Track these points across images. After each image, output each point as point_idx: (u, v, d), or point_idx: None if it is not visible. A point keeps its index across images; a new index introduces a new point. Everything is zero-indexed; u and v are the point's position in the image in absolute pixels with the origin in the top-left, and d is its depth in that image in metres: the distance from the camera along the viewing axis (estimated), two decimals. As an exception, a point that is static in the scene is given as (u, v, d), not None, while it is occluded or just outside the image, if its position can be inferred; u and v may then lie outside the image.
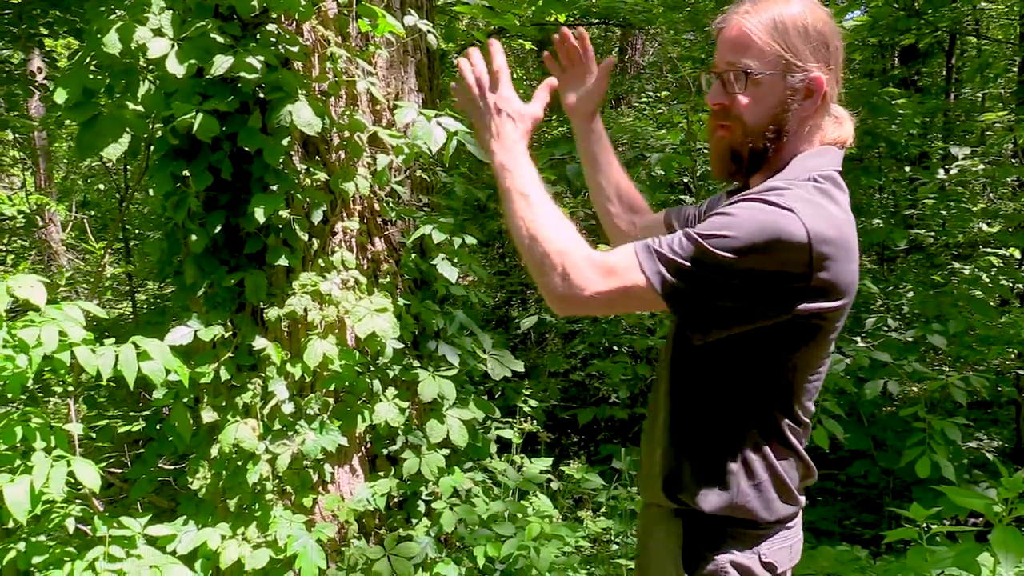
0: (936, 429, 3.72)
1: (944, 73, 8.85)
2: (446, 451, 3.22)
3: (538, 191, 1.42)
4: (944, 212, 5.67)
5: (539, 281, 1.37)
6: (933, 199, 5.87)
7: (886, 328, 4.69)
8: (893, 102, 5.72)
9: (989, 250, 5.92)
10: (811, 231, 1.25)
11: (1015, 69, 8.68)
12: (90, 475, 2.55)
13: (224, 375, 2.97)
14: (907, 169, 6.43)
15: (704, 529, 1.45)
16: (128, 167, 5.18)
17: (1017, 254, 6.68)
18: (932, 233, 5.82)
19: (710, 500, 1.42)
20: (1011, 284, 5.14)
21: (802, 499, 1.51)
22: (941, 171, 5.90)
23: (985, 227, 5.71)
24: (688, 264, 1.28)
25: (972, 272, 5.16)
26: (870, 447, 4.63)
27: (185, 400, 3.05)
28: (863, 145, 5.84)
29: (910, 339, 4.41)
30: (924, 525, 2.55)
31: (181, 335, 2.89)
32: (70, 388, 3.25)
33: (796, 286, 1.29)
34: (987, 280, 4.94)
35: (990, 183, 6.68)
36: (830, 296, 1.32)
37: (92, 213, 8.48)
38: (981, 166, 5.77)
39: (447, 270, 3.17)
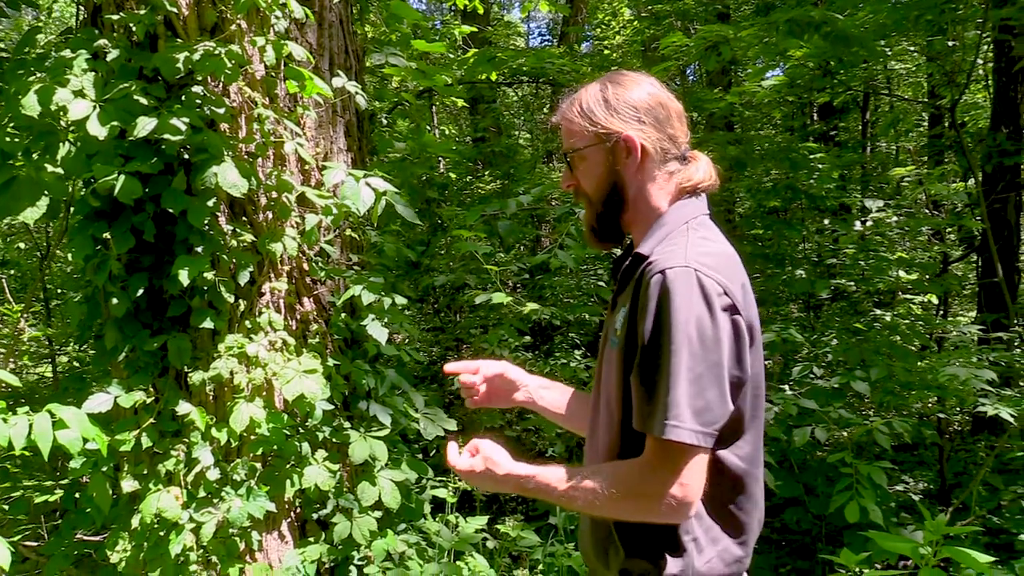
0: (863, 474, 3.80)
1: (860, 127, 9.29)
2: (378, 513, 3.16)
3: (567, 480, 1.47)
4: (862, 262, 5.89)
5: (654, 520, 1.44)
6: (853, 249, 6.09)
7: (812, 376, 4.80)
8: (812, 156, 5.97)
9: (909, 296, 6.16)
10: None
11: (925, 124, 9.17)
12: (0, 553, 2.42)
13: (146, 442, 2.88)
14: (826, 221, 6.67)
15: None
16: (50, 225, 5.04)
17: (935, 300, 6.96)
18: (853, 282, 6.03)
19: (671, 567, 1.46)
20: (928, 331, 5.33)
21: (753, 536, 1.55)
22: (858, 223, 6.14)
23: (904, 274, 5.94)
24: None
25: (893, 319, 5.34)
26: (802, 494, 4.69)
27: (104, 469, 2.93)
28: (785, 198, 6.05)
29: (836, 386, 4.52)
30: (857, 570, 2.59)
31: (100, 402, 2.80)
32: (-20, 461, 3.10)
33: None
34: (905, 327, 5.12)
35: (907, 233, 6.98)
36: None
37: (12, 272, 8.19)
38: (895, 218, 6.03)
39: (377, 331, 3.15)
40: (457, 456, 1.57)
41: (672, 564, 1.46)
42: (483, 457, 1.54)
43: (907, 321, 5.39)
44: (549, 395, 1.91)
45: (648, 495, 1.39)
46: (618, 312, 1.55)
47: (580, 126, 1.58)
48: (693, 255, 1.43)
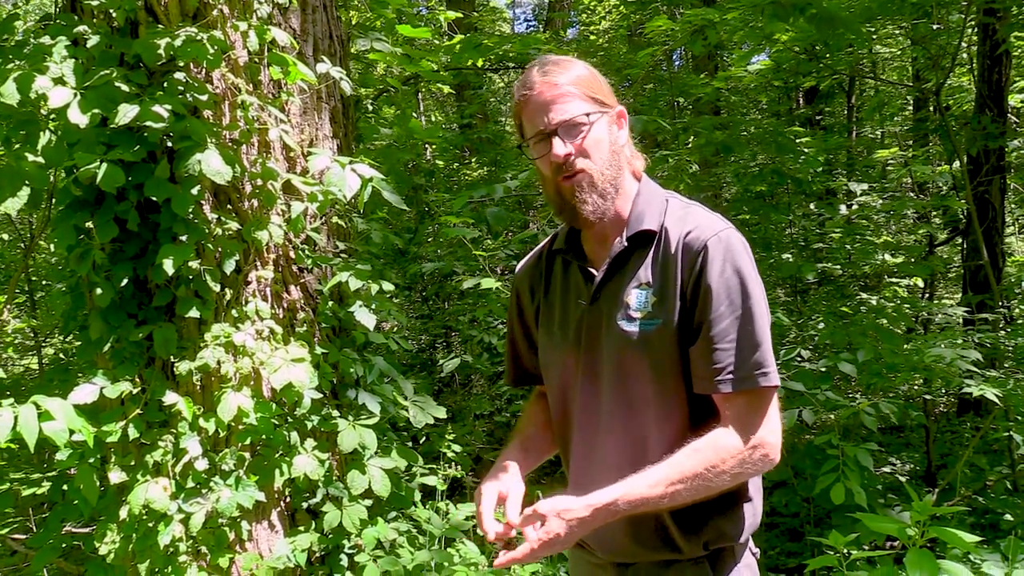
0: (849, 456, 3.83)
1: (846, 112, 9.32)
2: (368, 502, 3.16)
3: (661, 482, 1.41)
4: (849, 246, 5.92)
5: (756, 474, 1.48)
6: (839, 233, 6.12)
7: (799, 359, 4.82)
8: (798, 140, 5.98)
9: (894, 279, 6.19)
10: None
11: (910, 108, 9.19)
12: (-14, 546, 2.40)
13: (133, 433, 2.86)
14: (812, 205, 6.69)
15: (724, 557, 1.55)
16: (33, 216, 4.99)
17: (920, 283, 7.00)
18: (839, 266, 6.05)
19: (741, 528, 1.54)
20: (914, 314, 5.36)
21: None
22: (844, 207, 6.16)
23: (889, 258, 5.97)
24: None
25: (879, 302, 5.37)
26: (790, 477, 4.72)
27: (91, 461, 2.91)
28: (772, 183, 6.06)
29: (823, 369, 4.54)
30: (845, 551, 2.60)
31: (86, 393, 2.77)
32: (-35, 453, 3.08)
33: None
34: (891, 310, 5.15)
35: (892, 216, 7.01)
36: None
37: (-4, 264, 8.11)
38: (879, 201, 6.05)
39: (365, 317, 3.13)
40: (531, 531, 1.41)
41: (748, 512, 1.55)
42: (555, 515, 1.41)
43: (893, 304, 5.42)
44: (531, 457, 1.76)
45: (751, 450, 1.42)
46: (624, 294, 1.53)
47: (583, 95, 1.52)
48: (724, 221, 1.52)
